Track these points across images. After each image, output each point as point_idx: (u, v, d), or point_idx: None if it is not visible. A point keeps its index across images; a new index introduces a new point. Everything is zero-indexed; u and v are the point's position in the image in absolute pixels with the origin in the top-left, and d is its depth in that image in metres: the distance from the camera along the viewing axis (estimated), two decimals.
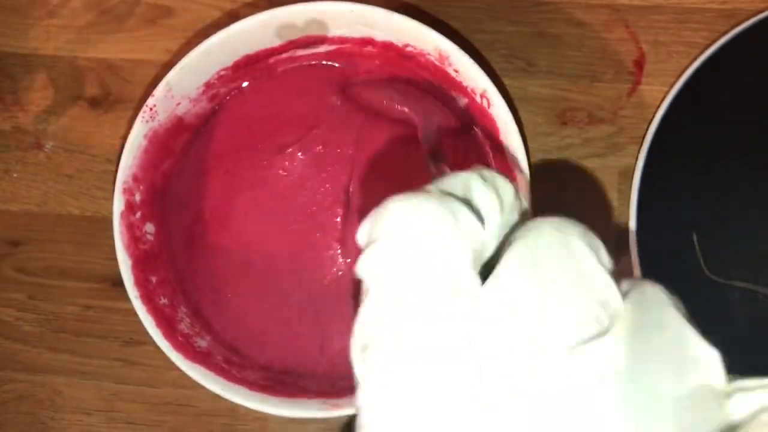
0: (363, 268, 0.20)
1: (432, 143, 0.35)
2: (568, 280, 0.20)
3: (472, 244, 0.20)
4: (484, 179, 0.22)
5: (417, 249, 0.19)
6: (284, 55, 0.37)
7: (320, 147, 0.37)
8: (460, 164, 0.36)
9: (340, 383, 0.35)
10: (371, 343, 0.19)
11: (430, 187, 0.21)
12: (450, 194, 0.21)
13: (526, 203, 0.24)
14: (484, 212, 0.21)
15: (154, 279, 0.36)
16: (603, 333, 0.19)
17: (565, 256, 0.20)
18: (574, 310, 0.19)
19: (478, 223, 0.20)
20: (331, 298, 0.37)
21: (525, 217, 0.23)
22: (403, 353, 0.19)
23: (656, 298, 0.22)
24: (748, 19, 0.38)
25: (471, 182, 0.21)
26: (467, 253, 0.20)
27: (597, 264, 0.20)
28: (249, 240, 0.37)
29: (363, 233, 0.21)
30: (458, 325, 0.19)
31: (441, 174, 0.31)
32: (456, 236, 0.20)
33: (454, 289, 0.19)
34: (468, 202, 0.21)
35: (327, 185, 0.37)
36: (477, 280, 0.20)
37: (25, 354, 0.41)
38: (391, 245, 0.20)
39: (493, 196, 0.21)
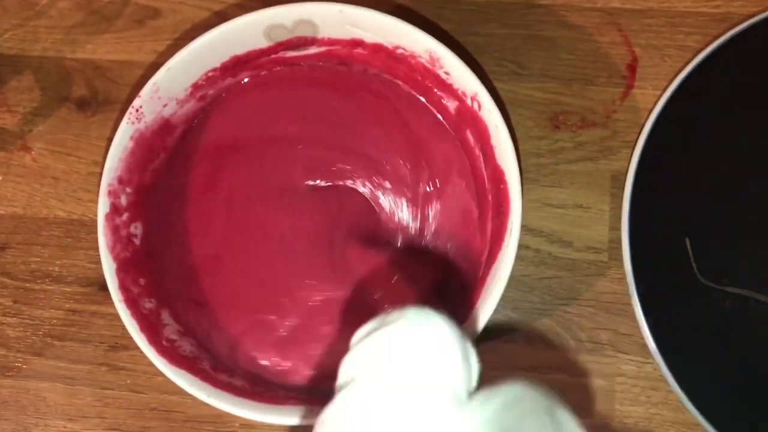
0: (351, 365, 0.24)
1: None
2: None
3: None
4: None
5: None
6: (273, 57, 0.37)
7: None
8: None
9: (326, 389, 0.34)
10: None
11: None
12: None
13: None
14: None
15: (142, 281, 0.35)
16: None
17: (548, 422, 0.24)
18: None
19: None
20: (318, 308, 0.36)
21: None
22: None
23: None
24: (740, 23, 0.37)
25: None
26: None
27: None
28: (235, 246, 0.37)
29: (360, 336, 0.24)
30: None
31: None
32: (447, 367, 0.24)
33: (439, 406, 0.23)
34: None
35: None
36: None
37: (8, 359, 0.40)
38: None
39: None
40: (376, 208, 0.37)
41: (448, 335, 0.24)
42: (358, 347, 0.25)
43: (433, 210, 0.37)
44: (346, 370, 0.25)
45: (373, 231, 0.37)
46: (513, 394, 0.24)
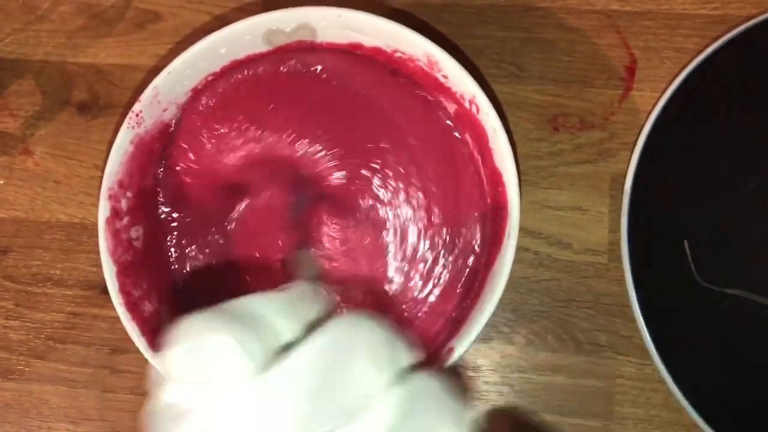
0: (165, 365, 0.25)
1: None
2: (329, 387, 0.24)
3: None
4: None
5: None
6: (272, 60, 0.37)
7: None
8: None
9: None
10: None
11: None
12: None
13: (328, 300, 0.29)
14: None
15: (143, 285, 0.35)
16: None
17: (340, 362, 0.24)
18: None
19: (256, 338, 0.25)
20: None
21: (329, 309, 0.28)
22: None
23: (426, 389, 0.26)
24: (739, 25, 0.37)
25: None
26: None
27: (368, 370, 0.24)
28: (235, 246, 0.37)
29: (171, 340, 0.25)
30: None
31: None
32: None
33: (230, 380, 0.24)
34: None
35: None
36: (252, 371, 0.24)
37: (11, 362, 0.41)
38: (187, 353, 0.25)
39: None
40: (377, 205, 0.37)
41: (219, 338, 0.24)
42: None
43: (433, 209, 0.37)
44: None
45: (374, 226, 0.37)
46: (321, 343, 0.25)
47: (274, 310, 0.26)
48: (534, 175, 0.39)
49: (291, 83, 0.37)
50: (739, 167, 0.37)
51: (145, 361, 0.33)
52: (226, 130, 0.37)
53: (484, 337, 0.38)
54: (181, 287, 0.37)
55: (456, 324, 0.34)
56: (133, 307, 0.34)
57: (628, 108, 0.39)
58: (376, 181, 0.37)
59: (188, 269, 0.37)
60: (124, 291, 0.34)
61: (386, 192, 0.37)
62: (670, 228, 0.37)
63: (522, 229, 0.34)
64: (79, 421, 0.40)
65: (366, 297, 0.36)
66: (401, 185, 0.37)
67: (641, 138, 0.37)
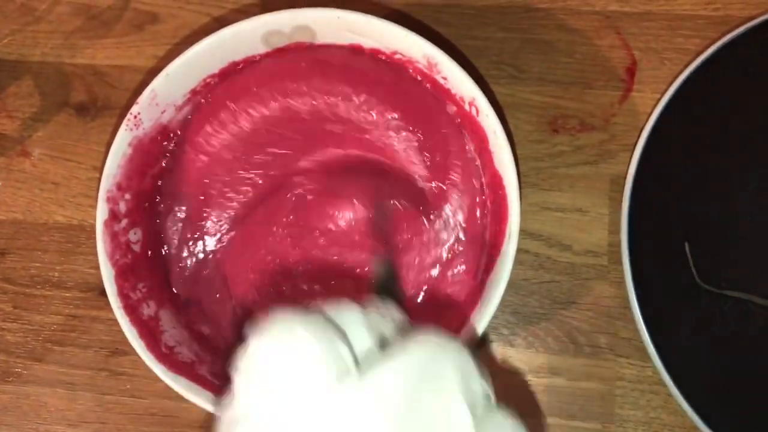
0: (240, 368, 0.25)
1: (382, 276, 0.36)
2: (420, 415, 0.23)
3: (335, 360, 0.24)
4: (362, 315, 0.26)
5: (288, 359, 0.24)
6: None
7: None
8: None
9: None
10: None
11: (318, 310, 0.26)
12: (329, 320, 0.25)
13: (396, 315, 0.28)
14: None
15: (141, 287, 0.35)
16: None
17: (428, 391, 0.23)
18: None
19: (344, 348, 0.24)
20: None
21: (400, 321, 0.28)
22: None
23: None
24: (740, 25, 0.37)
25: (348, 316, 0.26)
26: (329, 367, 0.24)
27: (458, 400, 0.23)
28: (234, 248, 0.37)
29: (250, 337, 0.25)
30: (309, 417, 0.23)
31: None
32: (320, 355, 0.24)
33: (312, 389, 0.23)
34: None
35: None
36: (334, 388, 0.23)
37: (9, 364, 0.40)
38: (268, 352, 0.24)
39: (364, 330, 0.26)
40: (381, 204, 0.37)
41: (305, 342, 0.24)
42: (241, 368, 0.25)
43: (433, 208, 0.36)
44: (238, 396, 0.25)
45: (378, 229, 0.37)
46: (408, 359, 0.24)
47: (357, 322, 0.25)
48: (534, 177, 0.39)
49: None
50: (740, 169, 0.37)
51: (144, 363, 0.33)
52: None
53: (484, 339, 0.38)
54: (182, 290, 0.37)
55: (457, 327, 0.34)
56: (131, 309, 0.34)
57: (628, 109, 0.39)
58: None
59: (190, 271, 0.37)
60: (122, 294, 0.33)
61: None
62: (671, 230, 0.37)
63: (522, 231, 0.34)
64: (77, 423, 0.40)
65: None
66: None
67: (641, 139, 0.37)
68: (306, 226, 0.36)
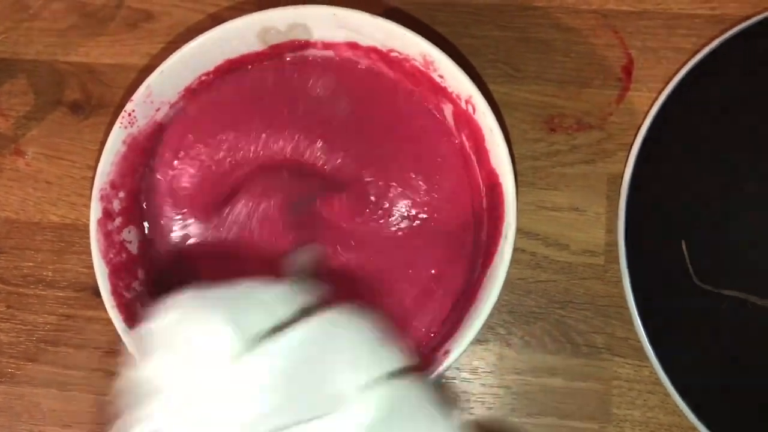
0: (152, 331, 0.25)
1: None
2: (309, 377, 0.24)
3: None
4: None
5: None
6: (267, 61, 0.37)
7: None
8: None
9: None
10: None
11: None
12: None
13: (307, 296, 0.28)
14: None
15: (135, 286, 0.35)
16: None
17: (318, 356, 0.25)
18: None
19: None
20: None
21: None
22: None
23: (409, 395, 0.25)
24: (736, 24, 0.37)
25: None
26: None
27: (345, 370, 0.24)
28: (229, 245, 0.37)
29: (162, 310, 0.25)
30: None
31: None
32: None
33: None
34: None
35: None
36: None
37: (2, 365, 0.40)
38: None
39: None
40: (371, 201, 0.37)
41: (212, 316, 0.25)
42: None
43: (429, 208, 0.36)
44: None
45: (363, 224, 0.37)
46: (310, 328, 0.25)
47: (263, 299, 0.26)
48: (531, 176, 0.39)
49: (284, 84, 0.37)
50: (737, 168, 0.37)
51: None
52: (219, 135, 0.37)
53: (480, 339, 0.38)
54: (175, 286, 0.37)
55: (452, 325, 0.34)
56: (125, 308, 0.33)
57: (625, 108, 0.39)
58: (371, 179, 0.36)
59: (182, 268, 0.37)
60: (116, 292, 0.33)
61: (380, 191, 0.36)
62: (668, 229, 0.37)
63: (519, 230, 0.34)
64: (71, 424, 0.39)
65: (366, 293, 0.36)
66: (394, 184, 0.36)
67: (638, 138, 0.37)
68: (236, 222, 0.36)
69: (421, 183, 0.36)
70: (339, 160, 0.36)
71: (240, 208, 0.36)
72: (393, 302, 0.35)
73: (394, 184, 0.36)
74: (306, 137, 0.37)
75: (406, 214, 0.36)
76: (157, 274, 0.37)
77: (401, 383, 0.25)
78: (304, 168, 0.36)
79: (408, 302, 0.35)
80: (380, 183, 0.36)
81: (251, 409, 0.23)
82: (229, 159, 0.37)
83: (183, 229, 0.37)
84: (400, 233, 0.36)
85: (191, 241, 0.37)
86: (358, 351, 0.25)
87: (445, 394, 0.31)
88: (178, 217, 0.37)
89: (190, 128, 0.37)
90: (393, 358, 0.26)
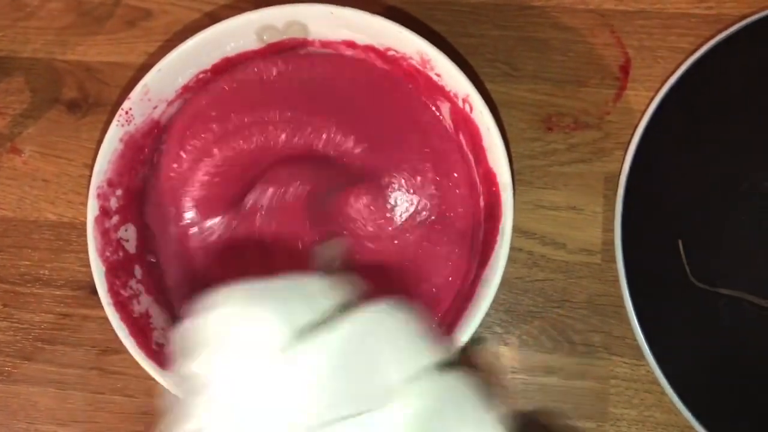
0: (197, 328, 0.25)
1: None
2: (355, 375, 0.24)
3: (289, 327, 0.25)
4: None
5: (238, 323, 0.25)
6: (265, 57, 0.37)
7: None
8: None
9: None
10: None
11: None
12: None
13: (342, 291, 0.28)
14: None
15: (132, 284, 0.35)
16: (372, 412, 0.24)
17: (364, 350, 0.25)
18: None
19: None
20: None
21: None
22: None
23: (452, 389, 0.26)
24: (733, 24, 0.37)
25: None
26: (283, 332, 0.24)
27: (390, 363, 0.25)
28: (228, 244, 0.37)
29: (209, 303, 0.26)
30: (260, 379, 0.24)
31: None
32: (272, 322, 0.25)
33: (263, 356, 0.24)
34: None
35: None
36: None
37: None
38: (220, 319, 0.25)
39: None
40: (370, 200, 0.37)
41: (258, 309, 0.25)
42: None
43: (427, 206, 0.36)
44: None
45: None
46: (356, 324, 0.25)
47: (307, 292, 0.26)
48: (528, 175, 0.39)
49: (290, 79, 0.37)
50: (734, 167, 0.37)
51: (135, 361, 0.33)
52: (228, 129, 0.37)
53: (477, 338, 0.38)
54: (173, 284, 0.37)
55: (450, 323, 0.34)
56: (122, 307, 0.33)
57: (622, 107, 0.39)
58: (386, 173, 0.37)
59: (193, 265, 0.37)
60: (113, 290, 0.33)
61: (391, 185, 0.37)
62: (665, 228, 0.37)
63: (516, 229, 0.34)
64: (68, 423, 0.39)
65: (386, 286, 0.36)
66: (404, 179, 0.36)
67: (635, 137, 0.37)
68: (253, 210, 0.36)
69: (429, 179, 0.36)
70: (357, 151, 0.36)
71: (263, 198, 0.36)
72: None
73: (403, 179, 0.36)
74: (320, 129, 0.36)
75: (410, 210, 0.36)
76: (160, 273, 0.37)
77: (446, 375, 0.25)
78: (325, 159, 0.36)
79: (410, 298, 0.35)
80: (392, 177, 0.36)
81: (300, 403, 0.23)
82: (243, 152, 0.36)
83: (193, 227, 0.37)
84: (404, 229, 0.36)
85: (204, 237, 0.37)
86: (402, 344, 0.25)
87: (488, 387, 0.31)
88: (190, 213, 0.37)
89: (197, 124, 0.37)
90: (436, 351, 0.26)
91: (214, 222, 0.37)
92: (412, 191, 0.36)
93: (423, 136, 0.37)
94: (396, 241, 0.36)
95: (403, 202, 0.36)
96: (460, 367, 0.26)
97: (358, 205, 0.36)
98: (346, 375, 0.24)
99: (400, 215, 0.36)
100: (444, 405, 0.25)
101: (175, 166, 0.36)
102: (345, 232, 0.36)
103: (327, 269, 0.35)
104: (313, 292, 0.26)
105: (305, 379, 0.24)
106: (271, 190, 0.36)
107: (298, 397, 0.23)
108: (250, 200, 0.36)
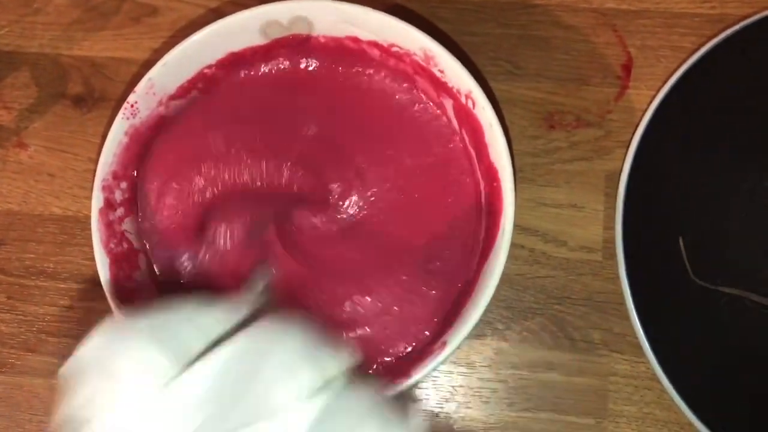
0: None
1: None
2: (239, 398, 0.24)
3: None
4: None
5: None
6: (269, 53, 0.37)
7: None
8: None
9: None
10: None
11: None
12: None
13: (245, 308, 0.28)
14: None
15: (136, 276, 0.35)
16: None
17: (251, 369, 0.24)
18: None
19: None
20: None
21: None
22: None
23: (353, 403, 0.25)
24: (735, 24, 0.38)
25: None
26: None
27: (280, 379, 0.24)
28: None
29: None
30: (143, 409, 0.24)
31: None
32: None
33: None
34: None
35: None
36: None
37: (2, 355, 0.40)
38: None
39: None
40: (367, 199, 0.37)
41: (141, 338, 0.25)
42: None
43: (428, 203, 0.37)
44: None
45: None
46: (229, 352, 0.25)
47: (197, 321, 0.26)
48: (530, 172, 0.39)
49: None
50: (734, 165, 0.37)
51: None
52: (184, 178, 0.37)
53: (478, 334, 0.38)
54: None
55: (450, 318, 0.34)
56: (126, 298, 0.33)
57: (624, 106, 0.39)
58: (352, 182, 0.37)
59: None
60: (116, 282, 0.33)
61: (365, 191, 0.37)
62: (665, 226, 0.37)
63: (517, 226, 0.34)
64: None
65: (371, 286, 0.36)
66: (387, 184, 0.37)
67: (637, 136, 0.37)
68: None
69: (421, 171, 0.37)
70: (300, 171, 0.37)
71: (218, 235, 0.36)
72: (398, 295, 0.36)
73: (391, 172, 0.37)
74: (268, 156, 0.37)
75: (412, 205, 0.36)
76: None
77: (345, 387, 0.25)
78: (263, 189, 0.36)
79: (411, 295, 0.36)
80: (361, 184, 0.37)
81: (181, 429, 0.23)
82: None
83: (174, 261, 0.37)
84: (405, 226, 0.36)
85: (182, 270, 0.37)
86: (293, 359, 0.25)
87: (403, 400, 0.31)
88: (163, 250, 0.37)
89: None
90: (332, 363, 0.25)
91: (184, 256, 0.37)
92: (400, 188, 0.37)
93: (419, 134, 0.37)
94: (382, 242, 0.36)
95: (381, 199, 0.37)
96: (363, 377, 0.26)
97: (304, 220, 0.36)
98: (228, 395, 0.24)
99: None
100: (342, 417, 0.24)
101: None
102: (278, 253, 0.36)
103: (253, 295, 0.34)
104: (204, 320, 0.26)
105: (183, 406, 0.23)
106: (223, 226, 0.36)
107: (177, 424, 0.23)
108: (211, 235, 0.36)
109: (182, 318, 0.26)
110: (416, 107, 0.37)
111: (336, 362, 0.25)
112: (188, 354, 0.24)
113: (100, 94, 0.42)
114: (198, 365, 0.24)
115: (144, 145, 0.36)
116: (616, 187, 0.37)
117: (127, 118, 0.35)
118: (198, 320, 0.26)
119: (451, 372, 0.38)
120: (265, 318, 0.26)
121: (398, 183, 0.37)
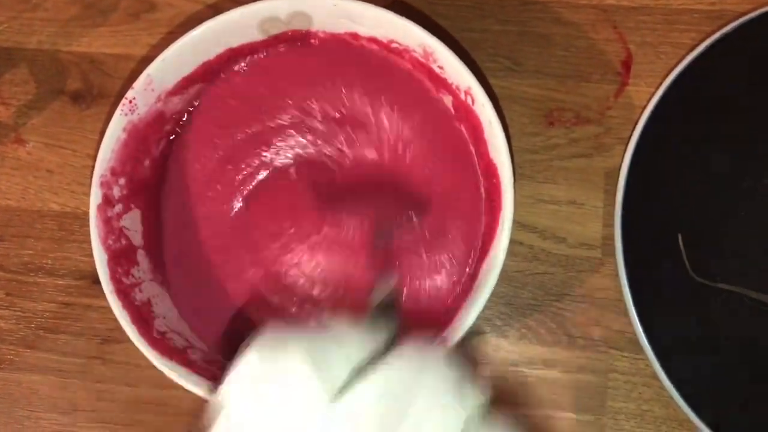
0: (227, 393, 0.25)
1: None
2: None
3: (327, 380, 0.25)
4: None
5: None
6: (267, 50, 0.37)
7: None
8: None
9: None
10: None
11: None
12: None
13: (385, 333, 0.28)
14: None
15: (134, 272, 0.35)
16: None
17: (400, 409, 0.24)
18: None
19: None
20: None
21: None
22: None
23: None
24: (735, 20, 0.37)
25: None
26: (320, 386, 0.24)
27: (436, 414, 0.25)
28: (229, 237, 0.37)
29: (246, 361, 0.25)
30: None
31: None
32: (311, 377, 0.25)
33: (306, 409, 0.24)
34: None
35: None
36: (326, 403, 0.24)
37: (1, 352, 0.40)
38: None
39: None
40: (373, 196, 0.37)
41: (297, 362, 0.25)
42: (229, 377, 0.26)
43: (428, 201, 0.37)
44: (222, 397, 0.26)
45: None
46: (389, 376, 0.25)
47: (343, 343, 0.26)
48: (529, 169, 0.39)
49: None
50: (734, 162, 0.37)
51: (136, 351, 0.33)
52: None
53: (477, 330, 0.38)
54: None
55: (449, 315, 0.34)
56: (124, 294, 0.33)
57: (623, 103, 0.39)
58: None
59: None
60: (114, 278, 0.33)
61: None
62: (665, 223, 0.37)
63: (516, 223, 0.34)
64: (69, 411, 0.40)
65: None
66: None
67: (636, 133, 0.37)
68: (305, 236, 0.36)
69: (429, 171, 0.37)
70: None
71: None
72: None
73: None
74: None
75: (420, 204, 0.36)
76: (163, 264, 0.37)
77: (488, 422, 0.25)
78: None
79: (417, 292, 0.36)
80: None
81: None
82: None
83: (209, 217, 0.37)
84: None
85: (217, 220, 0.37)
86: (440, 394, 0.25)
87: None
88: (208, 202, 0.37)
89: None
90: (474, 400, 0.26)
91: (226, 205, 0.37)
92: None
93: (426, 130, 0.37)
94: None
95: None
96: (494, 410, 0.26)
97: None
98: (386, 424, 0.24)
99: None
100: None
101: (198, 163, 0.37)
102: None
103: (379, 310, 0.34)
104: (354, 345, 0.26)
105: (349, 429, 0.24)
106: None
107: None
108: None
109: (332, 341, 0.26)
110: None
111: (476, 398, 0.26)
112: (336, 382, 0.25)
113: (99, 91, 0.42)
114: (358, 386, 0.24)
115: (143, 141, 0.36)
116: (616, 184, 0.37)
117: (126, 114, 0.35)
118: (347, 346, 0.26)
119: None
120: (404, 345, 0.26)
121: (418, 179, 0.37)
